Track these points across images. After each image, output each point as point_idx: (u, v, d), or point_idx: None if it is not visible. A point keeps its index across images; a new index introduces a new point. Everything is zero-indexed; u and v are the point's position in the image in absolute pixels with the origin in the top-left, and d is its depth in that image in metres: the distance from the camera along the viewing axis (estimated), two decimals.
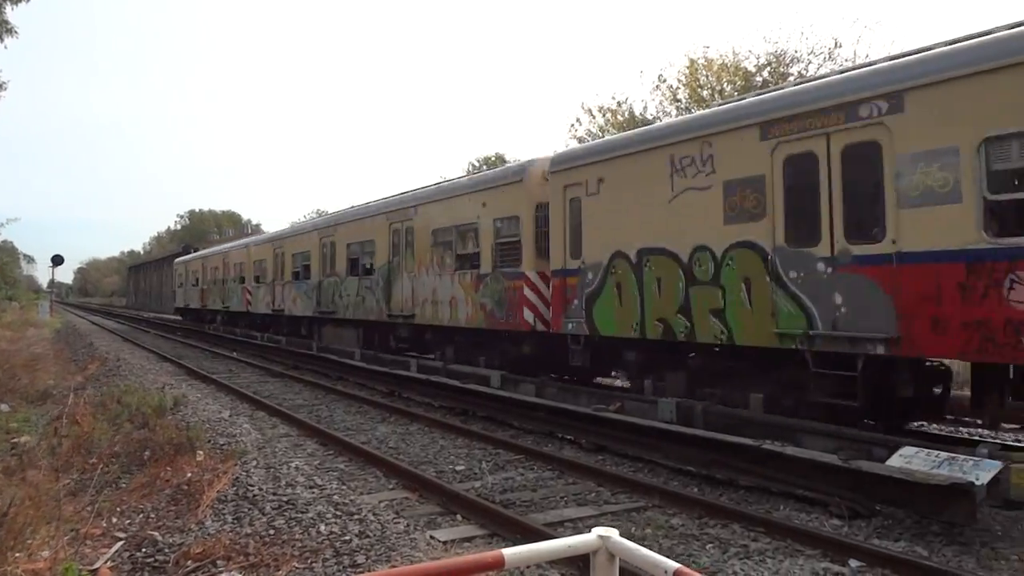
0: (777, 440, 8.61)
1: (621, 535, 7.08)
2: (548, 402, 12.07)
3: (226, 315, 37.71)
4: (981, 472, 6.80)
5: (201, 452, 9.22)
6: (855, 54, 31.20)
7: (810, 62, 32.18)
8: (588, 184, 12.95)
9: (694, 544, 6.42)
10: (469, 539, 6.68)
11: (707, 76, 34.02)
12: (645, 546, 6.51)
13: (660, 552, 6.21)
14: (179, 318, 50.20)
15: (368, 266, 21.56)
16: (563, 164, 13.78)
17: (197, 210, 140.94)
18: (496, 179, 16.01)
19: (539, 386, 13.63)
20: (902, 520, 6.94)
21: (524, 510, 7.51)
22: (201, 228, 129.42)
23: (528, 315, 14.29)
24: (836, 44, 31.97)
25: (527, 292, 14.34)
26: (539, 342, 14.64)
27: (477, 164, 65.70)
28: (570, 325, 13.20)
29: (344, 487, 8.14)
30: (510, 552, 2.62)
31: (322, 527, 6.65)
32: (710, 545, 6.39)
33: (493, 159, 65.84)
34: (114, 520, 7.24)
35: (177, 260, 53.00)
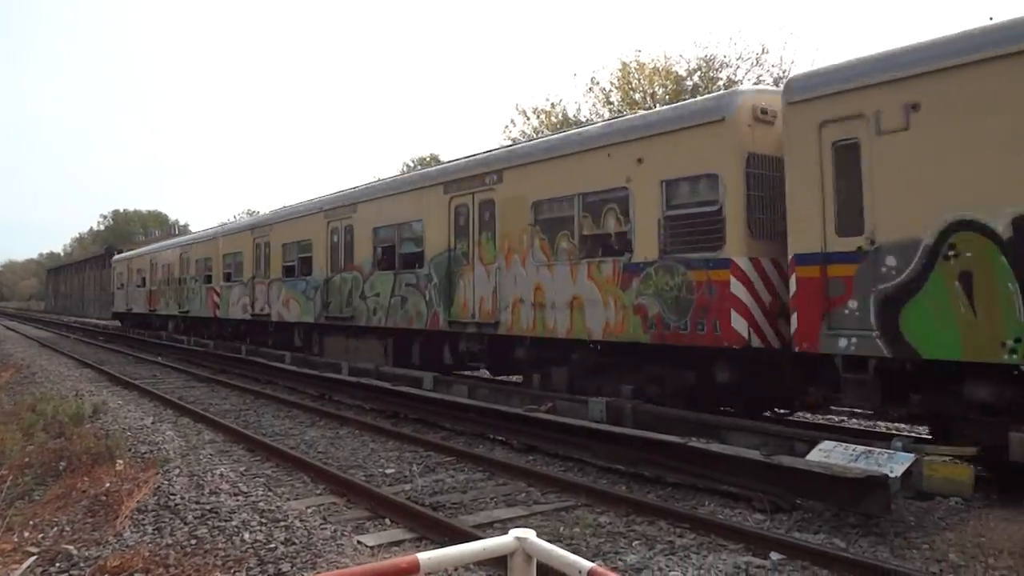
0: (704, 437, 8.80)
1: (549, 534, 7.11)
2: (480, 403, 12.06)
3: (184, 321, 31.75)
4: (895, 465, 7.07)
5: (121, 461, 8.94)
6: (781, 60, 32.26)
7: (738, 67, 33.09)
8: (881, 116, 8.44)
9: (621, 541, 6.50)
10: (397, 543, 6.62)
11: (639, 79, 34.62)
12: (573, 545, 6.60)
13: (588, 550, 6.35)
14: (117, 324, 43.51)
15: (413, 257, 16.21)
16: (821, 88, 9.07)
17: (122, 210, 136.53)
18: (668, 121, 10.86)
19: (472, 387, 13.61)
20: (821, 513, 7.15)
21: (454, 512, 7.49)
22: (126, 229, 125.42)
23: (739, 323, 9.65)
24: (763, 50, 32.98)
25: (736, 289, 9.73)
26: (748, 364, 10.12)
27: (412, 164, 65.37)
28: (843, 341, 8.67)
29: (270, 493, 7.99)
30: (426, 556, 2.60)
31: (246, 535, 6.52)
32: (637, 542, 6.48)
33: (428, 159, 65.62)
34: (26, 534, 6.97)
35: (117, 257, 45.61)
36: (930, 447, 7.78)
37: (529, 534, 2.74)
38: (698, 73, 33.55)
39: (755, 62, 32.69)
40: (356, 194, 18.96)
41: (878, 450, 7.38)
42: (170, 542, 6.40)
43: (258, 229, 24.30)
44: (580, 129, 13.22)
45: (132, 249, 48.71)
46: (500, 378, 15.80)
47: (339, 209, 19.11)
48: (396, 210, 16.76)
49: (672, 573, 5.76)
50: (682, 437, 8.43)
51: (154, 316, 35.59)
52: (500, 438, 10.97)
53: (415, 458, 9.93)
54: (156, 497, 7.64)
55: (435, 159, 58.64)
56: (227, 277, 26.46)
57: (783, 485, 7.32)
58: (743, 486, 7.61)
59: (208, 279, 28.21)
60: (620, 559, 6.06)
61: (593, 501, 7.69)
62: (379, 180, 18.66)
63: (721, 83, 31.77)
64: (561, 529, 6.86)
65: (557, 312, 12.21)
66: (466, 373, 16.79)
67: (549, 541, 6.67)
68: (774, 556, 6.03)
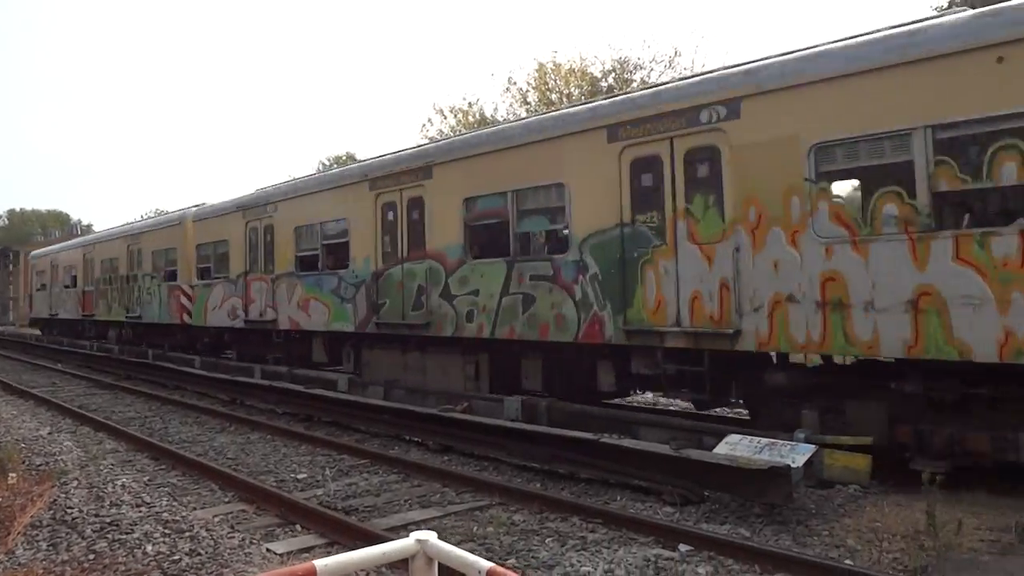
0: (616, 433, 8.93)
1: (463, 534, 7.09)
2: (395, 404, 11.95)
3: (135, 328, 25.90)
4: (797, 455, 7.33)
5: (14, 474, 8.50)
6: (693, 63, 33.18)
7: (652, 69, 33.86)
8: None
9: (534, 539, 6.53)
10: (308, 549, 6.49)
11: (555, 80, 35.03)
12: (486, 544, 6.60)
13: (501, 548, 6.37)
14: (37, 333, 37.42)
15: (545, 237, 12.23)
16: None
17: (18, 210, 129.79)
18: None
19: (387, 388, 13.46)
20: (728, 504, 7.36)
21: (367, 516, 7.39)
22: (23, 230, 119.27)
23: None
24: (676, 53, 33.87)
25: None
26: None
27: (328, 163, 64.45)
28: None
29: (175, 503, 7.75)
30: (323, 563, 2.56)
31: (149, 547, 6.32)
32: (549, 539, 6.53)
33: (344, 158, 64.80)
34: None
35: (36, 253, 38.87)
36: (830, 437, 8.10)
37: (430, 536, 2.72)
38: (613, 74, 34.19)
39: (668, 64, 33.57)
40: (430, 154, 13.45)
41: (781, 442, 7.64)
42: (66, 558, 6.14)
43: (254, 210, 18.36)
44: (921, 23, 8.15)
45: (35, 248, 44.42)
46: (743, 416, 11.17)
47: (399, 176, 13.79)
48: (509, 172, 11.72)
49: (584, 568, 5.83)
50: (595, 434, 8.54)
51: (89, 323, 29.46)
52: (416, 439, 10.89)
53: (328, 462, 9.77)
54: (52, 511, 7.33)
55: (351, 158, 57.83)
56: (203, 273, 20.84)
57: (692, 478, 7.50)
58: (654, 480, 7.76)
59: (171, 276, 22.43)
60: (533, 556, 6.10)
61: (507, 500, 7.71)
62: (472, 132, 13.93)
63: (635, 84, 32.40)
64: (475, 529, 6.86)
65: (880, 316, 7.82)
66: (635, 404, 12.90)
67: (463, 541, 6.69)
68: (682, 547, 6.18)
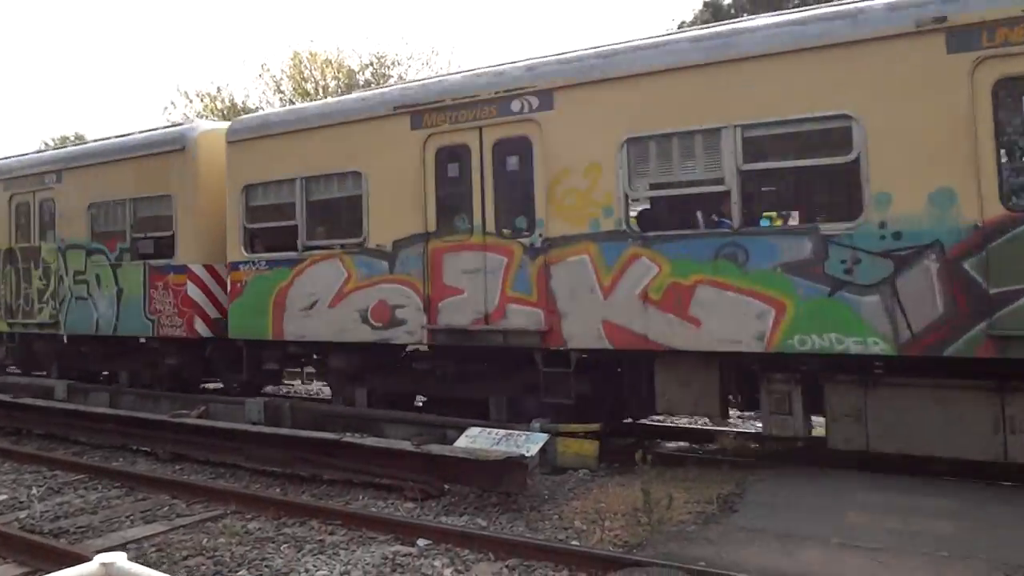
0: (362, 432, 8.84)
1: (191, 548, 6.63)
2: (120, 412, 10.94)
3: (35, 346, 14.77)
4: (531, 445, 7.70)
5: None
6: (449, 63, 33.86)
7: (409, 66, 34.08)
8: None
9: (269, 547, 6.28)
10: None
11: (311, 70, 34.12)
12: (216, 556, 6.23)
13: (232, 560, 6.08)
14: None
15: None
16: None
17: None
18: None
19: (114, 394, 12.30)
20: (467, 496, 7.53)
21: (80, 537, 6.69)
22: None
23: None
24: (434, 52, 34.31)
25: None
26: None
27: (53, 143, 58.00)
28: None
29: None
30: None
31: None
32: (285, 545, 6.30)
33: (72, 138, 58.67)
34: None
35: None
36: (563, 426, 8.58)
37: (117, 558, 2.49)
38: (370, 68, 33.96)
39: (425, 63, 34.01)
40: None
41: (518, 432, 7.97)
42: None
43: (457, 112, 9.37)
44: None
45: None
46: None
47: None
48: None
49: (319, 572, 5.70)
50: (337, 433, 8.40)
51: None
52: (145, 448, 10.05)
53: (36, 480, 8.71)
54: None
55: (80, 137, 52.47)
56: (254, 241, 11.40)
57: (433, 473, 7.60)
58: (397, 477, 7.77)
59: (153, 250, 12.46)
60: (266, 565, 5.86)
61: (243, 507, 7.35)
62: None
63: (392, 80, 32.43)
64: (205, 541, 6.45)
65: None
66: None
67: (191, 555, 6.25)
68: (421, 542, 6.25)
